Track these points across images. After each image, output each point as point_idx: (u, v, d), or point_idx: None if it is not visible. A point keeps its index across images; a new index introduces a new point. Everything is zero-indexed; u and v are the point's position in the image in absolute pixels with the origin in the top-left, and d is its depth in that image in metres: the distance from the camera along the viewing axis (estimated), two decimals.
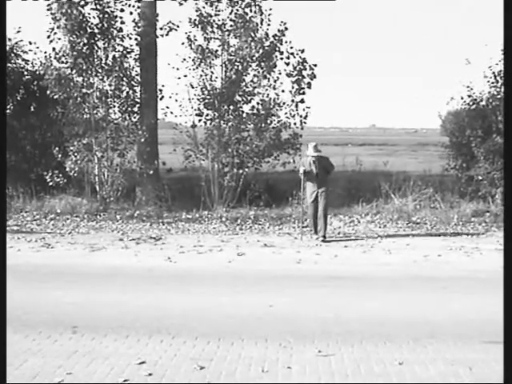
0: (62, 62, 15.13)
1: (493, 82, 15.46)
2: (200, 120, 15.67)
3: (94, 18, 15.05)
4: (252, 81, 15.43)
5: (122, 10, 15.33)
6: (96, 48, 15.07)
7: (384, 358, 5.88)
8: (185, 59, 15.21)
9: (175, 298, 8.05)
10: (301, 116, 15.73)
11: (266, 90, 15.52)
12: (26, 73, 16.93)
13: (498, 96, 15.36)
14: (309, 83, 15.49)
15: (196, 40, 15.15)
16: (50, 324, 6.85)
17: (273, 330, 6.73)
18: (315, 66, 15.43)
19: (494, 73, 15.39)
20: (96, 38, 14.99)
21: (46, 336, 6.48)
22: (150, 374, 5.44)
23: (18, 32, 16.75)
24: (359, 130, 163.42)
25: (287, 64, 15.40)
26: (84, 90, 15.24)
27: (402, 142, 58.02)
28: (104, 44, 15.17)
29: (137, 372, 5.50)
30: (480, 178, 15.19)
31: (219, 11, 15.18)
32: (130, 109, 15.71)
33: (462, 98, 15.88)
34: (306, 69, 15.41)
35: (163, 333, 6.59)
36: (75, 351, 6.04)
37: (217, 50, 15.23)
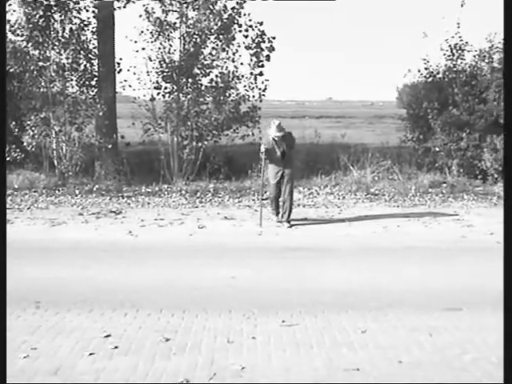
0: (18, 35, 14.88)
1: (449, 55, 15.60)
2: (158, 93, 15.53)
3: None
4: (210, 53, 15.32)
5: None
6: (52, 20, 14.82)
7: (347, 326, 6.00)
8: (143, 32, 15.02)
9: (138, 271, 8.07)
10: (259, 89, 15.71)
11: (225, 62, 15.44)
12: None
13: (454, 69, 15.57)
14: (267, 56, 15.47)
15: (154, 12, 14.95)
16: (13, 300, 6.78)
17: (236, 301, 6.81)
18: (274, 38, 15.39)
19: (450, 46, 15.54)
20: (52, 11, 14.74)
21: (8, 312, 6.42)
22: (116, 347, 5.48)
23: None
24: (316, 102, 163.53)
25: (246, 37, 15.34)
26: (40, 64, 15.00)
27: (358, 115, 58.31)
28: (60, 16, 14.93)
29: (102, 345, 5.54)
30: (437, 149, 15.40)
31: None
32: (87, 82, 15.50)
33: (418, 71, 16.01)
34: (264, 41, 15.39)
35: (127, 306, 6.62)
36: (39, 326, 6.05)
37: (175, 23, 15.07)
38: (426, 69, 15.95)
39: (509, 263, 4.32)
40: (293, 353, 5.37)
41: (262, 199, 12.01)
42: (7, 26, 14.76)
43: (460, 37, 15.47)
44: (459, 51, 15.59)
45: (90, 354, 5.34)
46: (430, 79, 16.00)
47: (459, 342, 5.64)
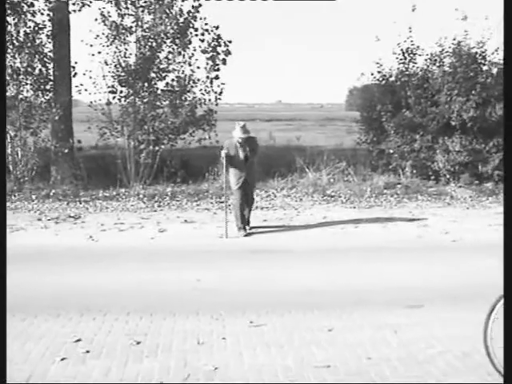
0: None
1: (401, 59, 15.89)
2: (114, 97, 15.48)
3: None
4: (167, 57, 15.35)
5: None
6: (6, 23, 14.65)
7: (314, 326, 6.13)
8: (98, 36, 14.95)
9: (101, 276, 8.07)
10: (215, 92, 15.81)
11: (181, 66, 15.50)
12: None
13: (407, 72, 15.84)
14: (223, 59, 15.58)
15: (110, 16, 14.91)
16: None
17: (203, 303, 6.89)
18: (230, 42, 15.52)
19: (402, 50, 15.83)
20: (6, 13, 14.58)
21: None
22: (88, 352, 5.51)
23: None
24: (266, 105, 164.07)
25: (202, 41, 15.42)
26: None
27: (309, 117, 58.78)
28: (14, 19, 14.73)
29: (74, 350, 5.55)
30: (391, 151, 15.65)
31: None
32: (42, 86, 15.33)
33: (372, 74, 16.27)
34: (220, 45, 15.49)
35: (94, 310, 6.63)
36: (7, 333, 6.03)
37: (131, 27, 15.04)
38: (379, 72, 16.20)
39: (509, 263, 4.46)
40: (264, 352, 5.48)
41: (221, 202, 11.95)
42: None
43: (412, 41, 15.78)
44: (411, 55, 15.89)
45: (62, 359, 5.35)
46: (384, 82, 16.25)
47: (423, 337, 5.82)
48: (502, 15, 4.67)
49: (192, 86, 15.66)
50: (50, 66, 15.49)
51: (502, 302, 4.38)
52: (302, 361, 5.28)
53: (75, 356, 5.42)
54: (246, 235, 10.45)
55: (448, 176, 15.04)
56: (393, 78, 16.15)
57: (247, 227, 10.70)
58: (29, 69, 15.03)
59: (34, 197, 14.02)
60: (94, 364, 5.24)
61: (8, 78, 14.76)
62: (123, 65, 15.13)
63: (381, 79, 16.25)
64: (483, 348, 4.61)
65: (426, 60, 15.95)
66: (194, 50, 15.45)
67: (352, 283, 7.67)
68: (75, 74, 15.74)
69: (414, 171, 15.38)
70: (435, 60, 15.76)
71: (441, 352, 5.46)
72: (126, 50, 15.15)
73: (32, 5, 14.95)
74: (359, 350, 5.51)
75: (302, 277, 7.99)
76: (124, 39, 15.01)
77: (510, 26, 4.54)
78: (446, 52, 15.60)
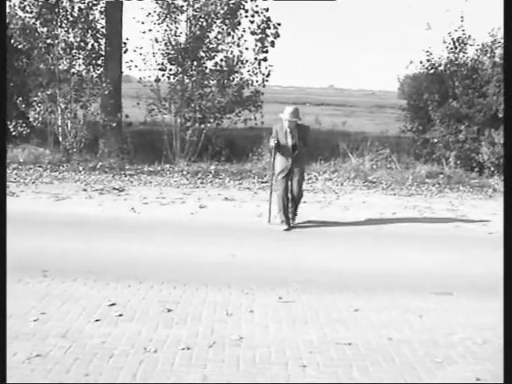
0: (27, 12, 15.09)
1: (451, 48, 15.82)
2: (163, 75, 15.80)
3: None
4: (216, 37, 15.55)
5: None
6: None
7: (340, 305, 6.28)
8: (150, 14, 15.28)
9: (141, 246, 8.33)
10: (263, 74, 15.96)
11: (230, 47, 15.70)
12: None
13: (456, 62, 15.77)
14: (272, 42, 15.70)
15: None
16: (21, 268, 7.07)
17: (235, 277, 7.08)
18: (279, 24, 15.64)
19: (452, 39, 15.75)
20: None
21: (17, 279, 6.72)
22: (121, 315, 5.76)
23: None
24: (317, 89, 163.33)
25: (252, 22, 15.56)
26: (49, 41, 15.24)
27: (359, 104, 58.45)
28: None
29: (108, 313, 5.81)
30: (435, 140, 15.62)
31: None
32: (94, 61, 15.71)
33: (421, 63, 16.22)
34: (269, 27, 15.61)
35: (131, 278, 6.88)
36: (47, 293, 6.32)
37: (182, 6, 15.28)
38: (428, 60, 16.14)
39: (509, 261, 4.55)
40: (289, 326, 5.66)
41: (262, 182, 12.04)
42: (17, 3, 15.03)
43: (463, 30, 15.70)
44: (462, 44, 15.80)
45: (97, 320, 5.63)
46: (432, 71, 16.19)
47: (447, 323, 5.92)
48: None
49: (240, 67, 15.84)
50: (102, 41, 15.87)
51: None
52: (324, 337, 5.44)
53: (109, 318, 5.68)
54: (287, 229, 9.63)
55: (492, 168, 14.93)
56: (441, 68, 16.08)
57: (291, 221, 9.89)
58: (81, 44, 15.40)
59: (81, 168, 14.42)
60: (126, 326, 5.50)
61: (61, 51, 15.18)
62: (173, 43, 15.38)
63: (429, 68, 16.19)
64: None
65: (476, 50, 15.86)
66: (244, 31, 15.64)
67: (383, 267, 7.77)
68: (126, 50, 16.10)
69: (458, 162, 15.30)
70: (486, 50, 15.64)
71: (462, 338, 5.56)
72: (177, 28, 15.42)
73: None
74: (382, 330, 5.64)
75: (335, 258, 8.13)
76: (175, 18, 15.25)
77: (510, 26, 4.57)
78: (498, 42, 15.46)
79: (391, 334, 5.58)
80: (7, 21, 15.41)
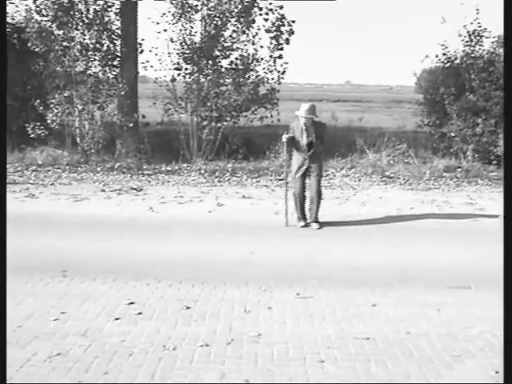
0: (43, 15, 15.22)
1: (467, 41, 15.74)
2: (179, 74, 15.83)
3: None
4: (231, 36, 15.58)
5: None
6: (77, 1, 15.11)
7: (357, 300, 6.30)
8: (165, 14, 15.30)
9: (159, 245, 8.39)
10: (278, 71, 15.96)
11: (245, 45, 15.70)
12: (6, 26, 16.96)
13: (472, 55, 15.69)
14: (287, 39, 15.70)
15: None
16: (41, 268, 7.17)
17: (253, 275, 7.11)
18: (293, 22, 15.63)
19: (468, 32, 15.67)
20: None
21: (37, 279, 6.81)
22: (140, 313, 5.82)
23: None
24: (334, 86, 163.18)
25: (266, 20, 15.55)
26: (65, 44, 15.33)
27: (376, 99, 58.28)
28: None
29: (127, 311, 5.87)
30: (452, 134, 15.57)
31: None
32: (110, 62, 15.81)
33: (436, 56, 16.17)
34: (284, 25, 15.61)
35: (149, 277, 6.94)
36: (67, 293, 6.38)
37: (196, 5, 15.30)
38: (444, 54, 16.09)
39: (509, 260, 4.55)
40: (306, 322, 5.68)
41: (279, 179, 12.02)
42: (33, 7, 15.14)
43: (479, 23, 15.61)
44: (477, 37, 15.71)
45: (116, 318, 5.68)
46: (448, 65, 16.13)
47: (465, 317, 5.92)
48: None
49: (255, 65, 15.85)
50: (118, 42, 15.98)
51: None
52: (342, 332, 5.46)
53: (128, 317, 5.73)
54: (304, 226, 9.65)
55: None
56: (458, 61, 16.01)
57: (313, 219, 9.73)
58: (97, 45, 15.50)
59: (99, 169, 14.53)
60: (145, 325, 5.55)
61: (77, 53, 15.29)
62: (188, 42, 15.41)
63: (445, 62, 16.13)
64: None
65: (492, 43, 15.76)
66: (258, 29, 15.62)
67: (401, 261, 7.76)
68: (142, 50, 16.15)
69: (476, 155, 15.24)
70: (502, 42, 15.54)
71: (481, 332, 5.55)
72: (192, 27, 15.44)
73: None
74: (400, 325, 5.65)
75: (352, 253, 8.14)
76: (190, 17, 15.28)
77: (510, 26, 4.57)
78: None
79: (409, 328, 5.58)
80: (23, 25, 15.58)
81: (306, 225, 9.69)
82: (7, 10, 16.91)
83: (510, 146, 4.75)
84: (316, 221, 9.70)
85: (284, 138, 9.59)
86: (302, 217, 9.78)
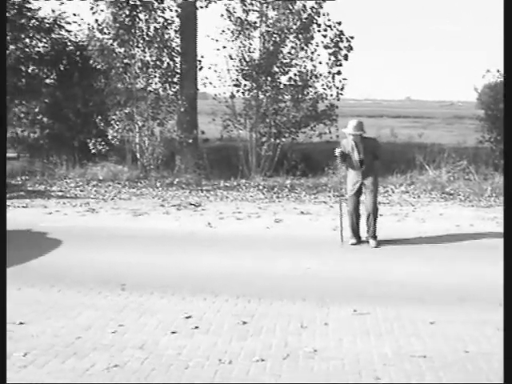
0: (105, 34, 15.60)
1: None
2: (238, 91, 15.96)
3: None
4: (289, 52, 15.65)
5: None
6: (137, 20, 15.45)
7: (415, 318, 6.21)
8: (224, 31, 15.50)
9: (216, 260, 8.43)
10: (337, 87, 15.95)
11: (304, 61, 15.76)
12: (69, 44, 17.43)
13: None
14: (345, 55, 15.70)
15: (235, 12, 15.43)
16: (100, 281, 7.30)
17: (310, 290, 7.08)
18: (352, 38, 15.62)
19: None
20: (138, 10, 15.36)
21: (96, 292, 6.93)
22: (197, 327, 5.85)
23: (62, 4, 17.36)
24: (394, 102, 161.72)
25: (324, 36, 15.59)
26: (126, 61, 15.67)
27: (437, 115, 57.51)
28: (145, 16, 15.56)
29: (184, 325, 5.91)
30: None
31: None
32: (170, 79, 16.05)
33: (497, 71, 15.94)
34: (342, 41, 15.61)
35: (206, 292, 6.98)
36: (125, 306, 6.48)
37: (255, 22, 15.47)
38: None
39: (509, 265, 4.46)
40: (363, 339, 5.63)
41: (338, 196, 11.93)
42: (95, 25, 15.50)
43: None
44: None
45: (173, 332, 5.73)
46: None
47: None
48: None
49: (314, 81, 15.87)
50: (178, 59, 16.22)
51: None
52: (399, 349, 5.39)
53: (185, 331, 5.77)
54: (355, 243, 9.48)
55: None
56: None
57: (372, 235, 9.52)
58: (157, 62, 15.79)
59: (158, 184, 14.73)
60: (202, 339, 5.58)
61: (138, 70, 15.61)
62: (247, 59, 15.55)
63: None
64: None
65: None
66: (317, 46, 15.67)
67: (460, 279, 7.63)
68: (201, 67, 16.38)
69: None
70: None
71: None
72: (251, 44, 15.60)
73: (162, 2, 15.74)
74: (458, 343, 5.55)
75: (410, 271, 8.03)
76: (248, 34, 15.44)
77: (510, 26, 4.48)
78: None
79: (467, 347, 5.48)
80: (85, 43, 15.96)
81: (358, 242, 9.56)
82: (71, 29, 17.41)
83: (509, 165, 4.62)
84: (374, 237, 9.54)
85: (337, 151, 9.44)
86: (355, 234, 9.64)
